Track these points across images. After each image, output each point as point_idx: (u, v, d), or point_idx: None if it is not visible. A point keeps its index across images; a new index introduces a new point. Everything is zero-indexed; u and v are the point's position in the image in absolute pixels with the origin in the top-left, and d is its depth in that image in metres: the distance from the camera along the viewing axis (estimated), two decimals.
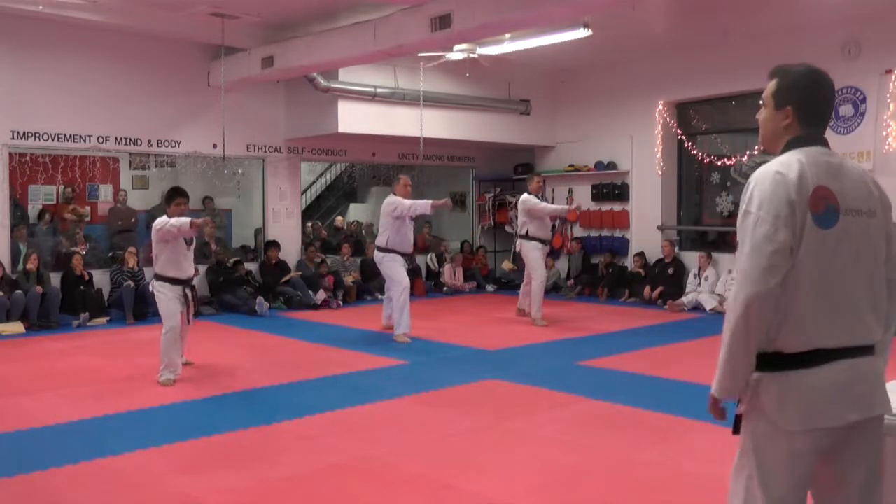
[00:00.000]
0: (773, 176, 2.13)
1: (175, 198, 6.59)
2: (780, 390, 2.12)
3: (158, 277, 6.53)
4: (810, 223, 2.09)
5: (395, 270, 8.39)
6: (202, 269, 10.50)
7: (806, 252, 2.09)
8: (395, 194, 8.55)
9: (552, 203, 9.72)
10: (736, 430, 2.24)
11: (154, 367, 6.44)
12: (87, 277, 9.97)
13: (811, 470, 2.16)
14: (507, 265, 14.02)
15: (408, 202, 8.39)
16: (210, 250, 11.32)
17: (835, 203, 2.13)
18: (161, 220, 6.44)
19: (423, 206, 8.39)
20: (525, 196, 9.69)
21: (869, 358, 2.19)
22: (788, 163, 2.16)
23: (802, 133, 2.24)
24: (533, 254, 9.52)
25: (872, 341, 2.19)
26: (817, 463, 2.17)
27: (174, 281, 6.49)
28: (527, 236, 9.61)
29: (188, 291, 6.57)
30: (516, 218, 10.39)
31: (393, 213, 8.37)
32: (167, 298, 6.45)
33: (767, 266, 2.06)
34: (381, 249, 8.49)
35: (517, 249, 9.97)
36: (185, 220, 6.33)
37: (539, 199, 9.77)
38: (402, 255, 8.49)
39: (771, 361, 2.14)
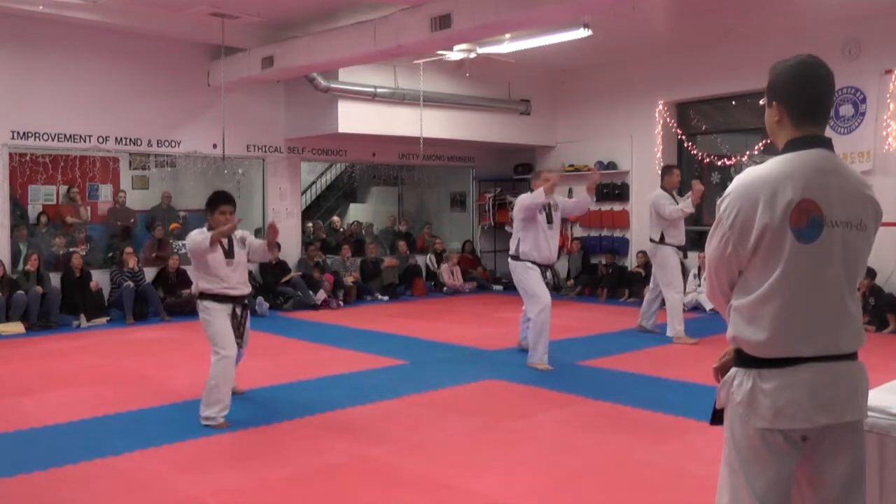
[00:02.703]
0: (743, 189, 2.12)
1: (219, 205, 5.43)
2: (752, 387, 2.12)
3: (201, 295, 5.45)
4: (790, 237, 2.06)
5: (529, 282, 7.08)
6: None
7: (785, 265, 2.07)
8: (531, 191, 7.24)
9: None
10: (713, 422, 2.27)
11: (154, 365, 6.43)
12: (88, 277, 9.96)
13: (791, 467, 2.13)
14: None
15: (527, 198, 7.06)
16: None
17: (819, 216, 2.07)
18: (195, 234, 5.41)
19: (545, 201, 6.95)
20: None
21: (847, 362, 2.14)
22: (769, 174, 2.11)
23: (798, 134, 2.16)
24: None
25: (852, 350, 2.15)
26: (797, 465, 2.15)
27: (218, 297, 5.37)
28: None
29: (239, 311, 5.43)
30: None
31: (518, 215, 7.18)
32: (213, 318, 5.32)
33: (717, 270, 2.22)
34: (512, 257, 7.27)
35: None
36: (205, 236, 5.28)
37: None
38: (540, 265, 7.14)
39: (745, 358, 2.15)
